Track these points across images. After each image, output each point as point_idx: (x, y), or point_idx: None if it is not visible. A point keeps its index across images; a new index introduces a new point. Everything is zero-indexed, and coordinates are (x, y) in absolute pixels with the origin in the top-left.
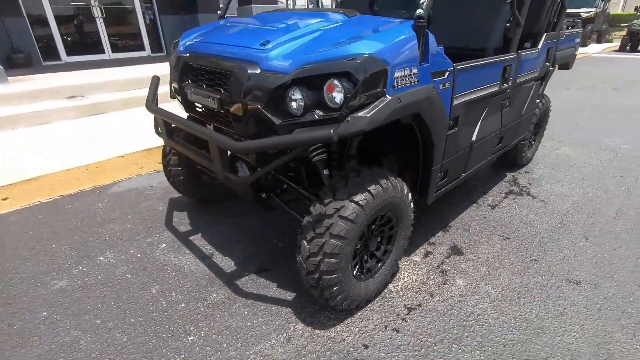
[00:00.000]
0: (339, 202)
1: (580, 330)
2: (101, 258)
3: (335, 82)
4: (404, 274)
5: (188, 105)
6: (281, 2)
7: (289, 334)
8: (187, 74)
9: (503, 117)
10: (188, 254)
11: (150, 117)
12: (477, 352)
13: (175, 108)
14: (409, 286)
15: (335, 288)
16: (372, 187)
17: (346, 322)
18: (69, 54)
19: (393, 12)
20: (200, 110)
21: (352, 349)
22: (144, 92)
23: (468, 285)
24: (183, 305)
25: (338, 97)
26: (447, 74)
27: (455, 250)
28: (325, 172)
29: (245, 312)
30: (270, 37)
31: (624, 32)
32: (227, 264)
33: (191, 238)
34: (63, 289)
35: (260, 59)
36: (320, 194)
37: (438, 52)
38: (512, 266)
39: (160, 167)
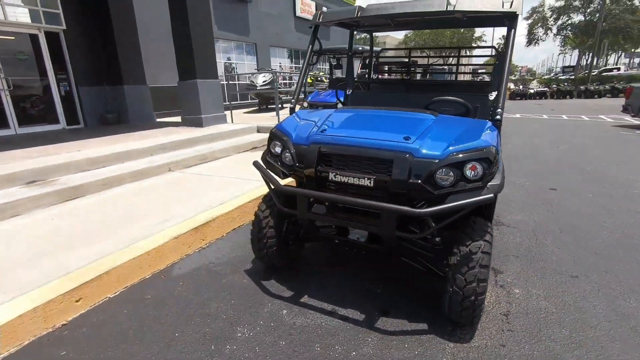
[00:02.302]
0: (478, 242)
1: (598, 302)
2: (238, 335)
3: (477, 164)
4: None
5: (320, 182)
6: (220, 76)
7: (450, 351)
8: (324, 161)
9: None
10: (313, 314)
11: (154, 194)
12: (563, 330)
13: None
14: (492, 300)
15: (481, 306)
16: (488, 230)
17: (477, 334)
18: None
19: (443, 110)
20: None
21: (496, 349)
22: (113, 169)
23: (523, 292)
24: (354, 353)
25: (479, 173)
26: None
27: (497, 271)
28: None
29: (406, 345)
30: (407, 134)
31: None
32: (354, 314)
33: (302, 300)
34: None
35: (413, 150)
36: (458, 240)
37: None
38: (536, 274)
39: (204, 243)
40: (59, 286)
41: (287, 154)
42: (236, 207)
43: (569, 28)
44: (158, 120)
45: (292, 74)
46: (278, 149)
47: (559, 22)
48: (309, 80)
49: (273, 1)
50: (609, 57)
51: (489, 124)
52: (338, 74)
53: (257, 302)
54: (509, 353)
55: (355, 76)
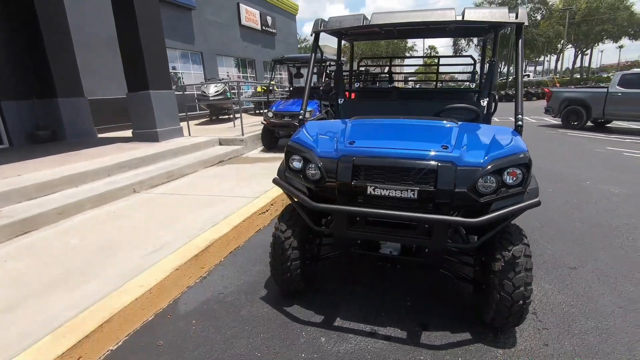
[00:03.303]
0: (519, 246)
1: (603, 290)
2: None
3: (517, 169)
4: None
5: (353, 197)
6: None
7: (502, 358)
8: (358, 174)
9: None
10: (353, 337)
11: (126, 221)
12: (588, 321)
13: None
14: None
15: (528, 308)
16: (523, 233)
17: (518, 336)
18: None
19: (453, 117)
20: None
21: (542, 350)
22: (67, 194)
23: (538, 288)
24: None
25: (519, 179)
26: None
27: None
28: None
29: (459, 359)
30: (442, 142)
31: None
32: (395, 332)
33: (336, 324)
34: None
35: (455, 159)
36: (498, 245)
37: None
38: (540, 269)
39: (204, 271)
40: (53, 345)
41: (311, 169)
42: (232, 228)
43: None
44: (100, 136)
45: (240, 83)
46: (298, 164)
47: None
48: (259, 89)
49: (217, 9)
50: None
51: (511, 130)
52: (301, 82)
53: (289, 332)
54: (554, 352)
55: (320, 86)
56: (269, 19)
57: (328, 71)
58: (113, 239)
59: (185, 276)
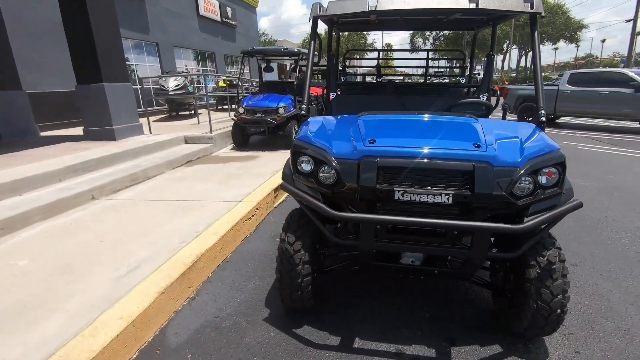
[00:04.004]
0: (553, 250)
1: (610, 287)
2: None
3: (553, 169)
4: None
5: (375, 202)
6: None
7: None
8: (384, 177)
9: None
10: None
11: (87, 234)
12: (608, 322)
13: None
14: None
15: (565, 316)
16: (554, 236)
17: (547, 345)
18: None
19: (466, 112)
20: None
21: (575, 358)
22: (8, 205)
23: None
24: None
25: (555, 179)
26: None
27: None
28: None
29: None
30: (472, 140)
31: None
32: (423, 350)
33: (356, 346)
34: None
35: (491, 159)
36: (532, 251)
37: None
38: None
39: (191, 291)
40: None
41: (325, 172)
42: (219, 239)
43: (442, 38)
44: (43, 134)
45: (203, 77)
46: (307, 166)
47: (434, 33)
48: (221, 84)
49: None
50: None
51: (534, 126)
52: (270, 77)
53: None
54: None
55: (295, 80)
56: (229, 10)
57: (300, 65)
58: (74, 258)
59: (171, 300)
